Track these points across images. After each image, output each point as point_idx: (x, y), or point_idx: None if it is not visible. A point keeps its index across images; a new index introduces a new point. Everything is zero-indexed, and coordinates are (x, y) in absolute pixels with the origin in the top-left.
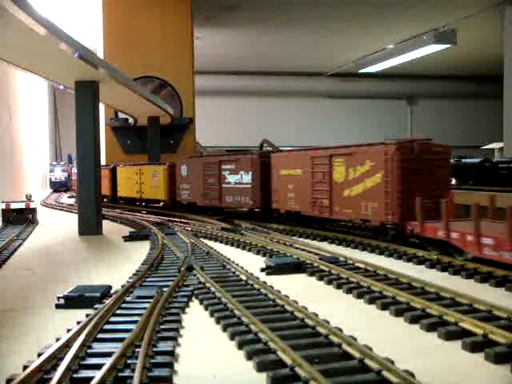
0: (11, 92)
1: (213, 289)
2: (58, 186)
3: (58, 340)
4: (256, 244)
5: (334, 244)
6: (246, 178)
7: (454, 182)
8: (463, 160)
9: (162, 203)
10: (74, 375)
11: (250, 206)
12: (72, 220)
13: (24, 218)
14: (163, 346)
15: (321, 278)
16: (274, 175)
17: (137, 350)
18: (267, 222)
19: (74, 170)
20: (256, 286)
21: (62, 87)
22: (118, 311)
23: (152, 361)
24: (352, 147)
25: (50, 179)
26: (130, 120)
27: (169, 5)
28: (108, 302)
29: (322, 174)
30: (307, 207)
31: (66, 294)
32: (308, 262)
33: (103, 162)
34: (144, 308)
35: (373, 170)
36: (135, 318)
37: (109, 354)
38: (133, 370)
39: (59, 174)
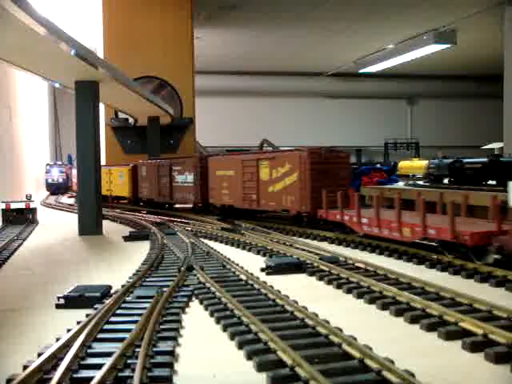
0: (11, 92)
1: (213, 289)
2: (55, 188)
3: (58, 340)
4: (256, 244)
5: (334, 244)
6: (190, 177)
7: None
8: (435, 161)
9: (126, 200)
10: (74, 375)
11: (192, 201)
12: (72, 220)
13: (24, 217)
14: (163, 345)
15: (321, 278)
16: (211, 175)
17: (137, 349)
18: (204, 215)
19: (75, 171)
20: (256, 286)
21: (57, 85)
22: (118, 311)
23: (152, 361)
24: (274, 153)
25: (47, 181)
26: (130, 120)
27: (169, 5)
28: (108, 301)
29: (250, 174)
30: (239, 201)
31: (66, 294)
32: (308, 261)
33: (103, 162)
34: (144, 308)
35: (291, 170)
36: (135, 318)
37: (109, 354)
38: (133, 370)
39: (56, 175)
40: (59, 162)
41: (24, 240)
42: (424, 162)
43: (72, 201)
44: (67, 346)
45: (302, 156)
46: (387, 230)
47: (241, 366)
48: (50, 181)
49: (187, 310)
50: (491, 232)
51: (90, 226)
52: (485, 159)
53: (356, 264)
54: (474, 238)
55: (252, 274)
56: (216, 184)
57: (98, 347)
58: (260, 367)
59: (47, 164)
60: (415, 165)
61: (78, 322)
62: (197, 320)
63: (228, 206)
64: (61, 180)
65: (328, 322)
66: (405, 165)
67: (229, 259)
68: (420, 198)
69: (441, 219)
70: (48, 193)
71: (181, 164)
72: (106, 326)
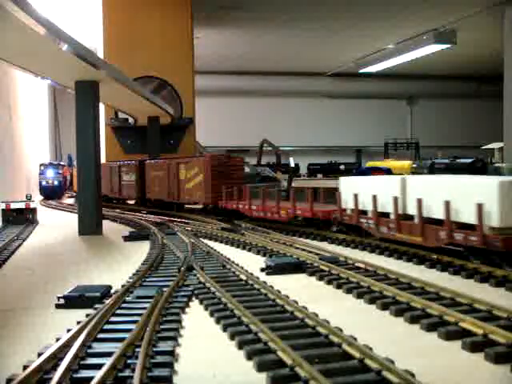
0: (11, 92)
1: (213, 289)
2: (49, 192)
3: (58, 340)
4: (256, 244)
5: (334, 244)
6: (132, 177)
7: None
8: (418, 162)
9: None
10: (74, 375)
11: (134, 197)
12: (72, 220)
13: (24, 217)
14: (163, 345)
15: (321, 278)
16: (147, 176)
17: (137, 349)
18: (142, 207)
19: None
20: (256, 286)
21: (52, 82)
22: (118, 311)
23: (152, 361)
24: (188, 158)
25: (40, 183)
26: (130, 120)
27: (169, 5)
28: (108, 301)
29: (173, 174)
30: (165, 196)
31: (66, 294)
32: (308, 261)
33: (103, 161)
34: (144, 308)
35: (198, 172)
36: (135, 318)
37: (109, 354)
38: (133, 370)
39: (52, 177)
40: (55, 162)
41: (24, 240)
42: (400, 163)
43: (72, 201)
44: (67, 345)
45: (206, 161)
46: (269, 213)
47: (241, 365)
48: (44, 183)
49: (187, 310)
50: (332, 211)
51: (90, 226)
52: (446, 160)
53: (356, 264)
54: (322, 214)
55: (252, 274)
56: (150, 183)
57: (98, 347)
58: (260, 367)
59: (41, 164)
60: (406, 166)
61: (78, 322)
62: (197, 320)
63: (159, 199)
64: (56, 182)
65: (328, 322)
66: (372, 165)
67: (229, 259)
68: (308, 189)
69: (321, 206)
70: (42, 197)
71: (127, 166)
72: (106, 326)
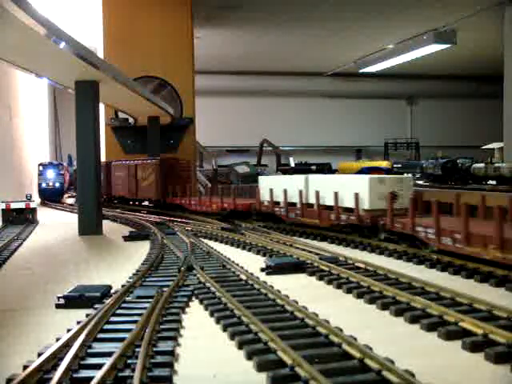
0: (11, 92)
1: (213, 289)
2: (49, 195)
3: (58, 340)
4: (256, 244)
5: (334, 244)
6: (102, 176)
7: None
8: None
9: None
10: (74, 375)
11: (103, 194)
12: (72, 220)
13: (24, 217)
14: (163, 345)
15: (321, 278)
16: (113, 175)
17: (137, 349)
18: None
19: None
20: (256, 286)
21: (52, 82)
22: (118, 311)
23: (152, 361)
24: (143, 161)
25: (39, 185)
26: (130, 120)
27: (169, 5)
28: (108, 301)
29: (132, 175)
30: (127, 193)
31: (66, 294)
32: (308, 261)
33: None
34: (144, 308)
35: (151, 173)
36: (135, 318)
37: (109, 354)
38: (133, 370)
39: (52, 179)
40: (55, 162)
41: (24, 240)
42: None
43: (72, 201)
44: (67, 345)
45: (156, 164)
46: (204, 207)
47: (241, 365)
48: (43, 185)
49: (187, 309)
50: (251, 203)
51: (90, 226)
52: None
53: (356, 264)
54: (243, 206)
55: (252, 274)
56: (115, 182)
57: (98, 347)
58: (260, 367)
59: (40, 164)
60: (354, 166)
61: (78, 322)
62: (197, 320)
63: (122, 196)
64: (58, 185)
65: (328, 322)
66: (343, 166)
67: (229, 259)
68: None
69: (242, 200)
70: (40, 200)
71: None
72: (106, 326)
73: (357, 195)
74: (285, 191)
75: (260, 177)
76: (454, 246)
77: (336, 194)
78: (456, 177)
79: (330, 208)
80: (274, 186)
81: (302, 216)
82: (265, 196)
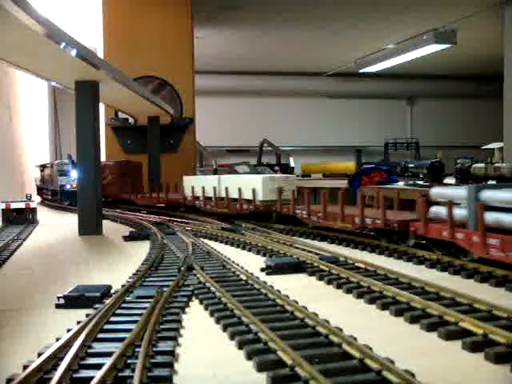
0: (11, 92)
1: (213, 289)
2: (74, 199)
3: (58, 340)
4: (256, 244)
5: (334, 244)
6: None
7: None
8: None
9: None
10: (74, 375)
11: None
12: (72, 220)
13: (24, 217)
14: (163, 345)
15: (321, 278)
16: None
17: (137, 349)
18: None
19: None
20: (256, 286)
21: (55, 84)
22: (118, 311)
23: (152, 361)
24: (105, 162)
25: (63, 187)
26: (130, 120)
27: (169, 5)
28: (108, 301)
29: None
30: None
31: (66, 294)
32: (308, 261)
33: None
34: (144, 308)
35: (109, 173)
36: (135, 318)
37: (109, 354)
38: (133, 370)
39: (74, 181)
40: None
41: (24, 240)
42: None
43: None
44: (67, 345)
45: (112, 166)
46: (147, 201)
47: (241, 365)
48: (67, 187)
49: (187, 309)
50: (178, 198)
51: (90, 226)
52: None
53: (356, 264)
54: (174, 200)
55: (252, 274)
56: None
57: (98, 347)
58: (260, 367)
59: (61, 163)
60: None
61: (78, 322)
62: (197, 320)
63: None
64: (74, 185)
65: (328, 322)
66: (305, 166)
67: (229, 259)
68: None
69: (174, 195)
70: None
71: (48, 167)
72: (106, 326)
73: (254, 190)
74: (203, 188)
75: (184, 176)
76: (317, 221)
77: (240, 189)
78: (443, 176)
79: (235, 200)
80: (195, 184)
81: (216, 207)
82: (188, 192)
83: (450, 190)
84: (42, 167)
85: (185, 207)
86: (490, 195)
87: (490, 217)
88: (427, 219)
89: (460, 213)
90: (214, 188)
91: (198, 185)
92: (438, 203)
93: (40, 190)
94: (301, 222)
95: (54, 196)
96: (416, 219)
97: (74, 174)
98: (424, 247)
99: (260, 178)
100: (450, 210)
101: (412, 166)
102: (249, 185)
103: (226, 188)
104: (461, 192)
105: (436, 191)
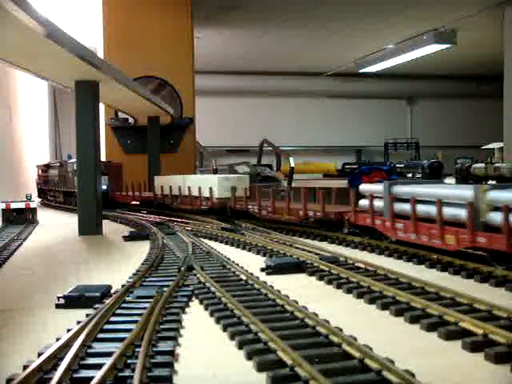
0: (11, 92)
1: (213, 288)
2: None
3: (58, 340)
4: (256, 244)
5: (334, 244)
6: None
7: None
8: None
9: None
10: (74, 375)
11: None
12: (72, 220)
13: (24, 217)
14: (163, 345)
15: (321, 278)
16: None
17: (137, 349)
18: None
19: None
20: (256, 286)
21: (52, 82)
22: (118, 311)
23: (152, 360)
24: (59, 163)
25: None
26: (130, 120)
27: (169, 5)
28: (108, 301)
29: (59, 174)
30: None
31: (66, 294)
32: (308, 261)
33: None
34: (144, 308)
35: (58, 173)
36: (135, 318)
37: (109, 354)
38: (133, 370)
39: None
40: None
41: (24, 240)
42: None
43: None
44: (67, 345)
45: (68, 165)
46: (123, 198)
47: (241, 365)
48: None
49: (187, 309)
50: (149, 196)
51: (90, 226)
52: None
53: (356, 264)
54: (148, 198)
55: (252, 274)
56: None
57: (98, 347)
58: (260, 367)
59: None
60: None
61: (78, 322)
62: (197, 320)
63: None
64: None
65: (328, 322)
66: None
67: (229, 259)
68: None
69: (147, 194)
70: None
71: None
72: (106, 326)
73: (211, 188)
74: (170, 187)
75: (155, 176)
76: (267, 215)
77: (199, 188)
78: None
79: (197, 198)
80: (164, 184)
81: (182, 204)
82: (158, 191)
83: (373, 186)
84: (46, 167)
85: (156, 204)
86: (398, 189)
87: (398, 206)
88: (356, 210)
89: (379, 204)
90: (180, 187)
91: (166, 184)
92: (364, 196)
93: (42, 192)
94: (253, 216)
95: (69, 198)
96: (349, 211)
97: None
98: (423, 247)
99: (216, 178)
100: (371, 202)
101: (401, 166)
102: (207, 184)
103: (189, 187)
104: (379, 187)
105: (363, 187)
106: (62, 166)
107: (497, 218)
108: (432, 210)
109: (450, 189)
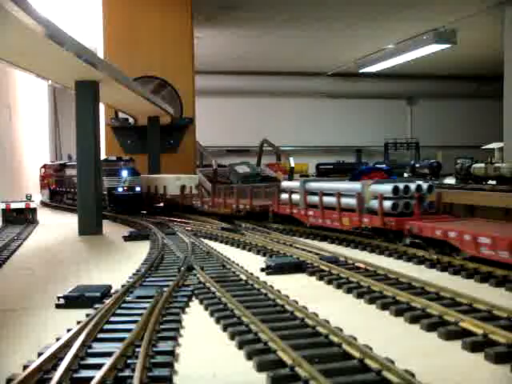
0: (11, 92)
1: (213, 289)
2: (124, 204)
3: (58, 340)
4: (256, 244)
5: (334, 244)
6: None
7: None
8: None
9: None
10: (74, 375)
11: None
12: (72, 220)
13: (24, 217)
14: (163, 345)
15: (321, 278)
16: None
17: (137, 349)
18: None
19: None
20: (256, 286)
21: (52, 82)
22: (118, 311)
23: (152, 360)
24: (73, 163)
25: (112, 190)
26: (130, 120)
27: (169, 5)
28: (108, 301)
29: (52, 173)
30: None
31: (67, 294)
32: (308, 261)
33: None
34: (144, 308)
35: (45, 173)
36: (135, 318)
37: (109, 354)
38: (133, 370)
39: (129, 180)
40: (126, 157)
41: (24, 240)
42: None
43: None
44: (67, 345)
45: (46, 167)
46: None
47: (241, 365)
48: (119, 190)
49: (187, 309)
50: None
51: (90, 226)
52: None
53: (356, 264)
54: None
55: (252, 274)
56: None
57: (98, 347)
58: (260, 367)
59: (105, 160)
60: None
61: (78, 322)
62: (197, 320)
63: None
64: (137, 189)
65: (328, 322)
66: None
67: (229, 259)
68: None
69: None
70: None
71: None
72: (106, 326)
73: (165, 187)
74: (148, 187)
75: (141, 175)
76: (208, 209)
77: (156, 186)
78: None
79: (155, 195)
80: (146, 183)
81: (154, 200)
82: (145, 189)
83: (291, 183)
84: (62, 166)
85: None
86: (310, 185)
87: (310, 199)
88: (279, 202)
89: (296, 197)
90: (148, 186)
91: (145, 184)
92: (285, 191)
93: (57, 194)
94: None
95: None
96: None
97: (125, 173)
98: (423, 248)
99: (168, 177)
100: (290, 195)
101: (418, 166)
102: (162, 183)
103: (149, 186)
104: (296, 184)
105: (284, 184)
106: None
107: (375, 204)
108: (334, 200)
109: (345, 184)
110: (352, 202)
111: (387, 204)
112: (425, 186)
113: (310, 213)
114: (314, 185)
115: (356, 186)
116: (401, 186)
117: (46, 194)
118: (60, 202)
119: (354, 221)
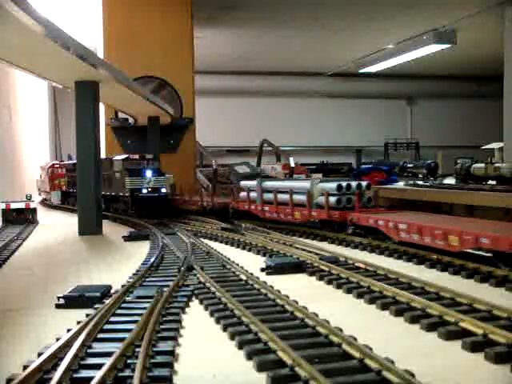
0: (11, 92)
1: (213, 289)
2: (149, 206)
3: (58, 340)
4: (256, 244)
5: (334, 244)
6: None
7: None
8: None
9: None
10: (74, 375)
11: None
12: (72, 220)
13: (24, 217)
14: (163, 345)
15: (321, 278)
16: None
17: (137, 349)
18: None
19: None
20: (256, 286)
21: (56, 84)
22: (118, 311)
23: (152, 361)
24: (61, 163)
25: (135, 191)
26: (130, 120)
27: (169, 5)
28: (108, 301)
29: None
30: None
31: (66, 294)
32: (308, 261)
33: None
34: (144, 308)
35: (55, 174)
36: (135, 318)
37: (109, 354)
38: (133, 370)
39: (153, 181)
40: (149, 156)
41: (24, 240)
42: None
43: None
44: (67, 345)
45: (67, 165)
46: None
47: (241, 365)
48: (143, 191)
49: (187, 309)
50: (230, 201)
51: (90, 226)
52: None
53: (356, 264)
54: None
55: (252, 274)
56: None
57: (98, 347)
58: (260, 367)
59: (128, 159)
60: None
61: (78, 322)
62: (197, 320)
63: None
64: (163, 190)
65: (328, 322)
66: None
67: (229, 259)
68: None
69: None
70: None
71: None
72: (106, 326)
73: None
74: None
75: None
76: (178, 206)
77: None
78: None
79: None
80: None
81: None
82: None
83: (249, 182)
84: (75, 166)
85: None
86: (266, 184)
87: (266, 196)
88: (238, 200)
89: (254, 194)
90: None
91: None
92: (243, 189)
93: (69, 196)
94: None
95: (116, 204)
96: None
97: (149, 173)
98: (422, 247)
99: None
100: (248, 193)
101: (411, 165)
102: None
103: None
104: (254, 183)
105: (243, 183)
106: (110, 164)
107: (322, 200)
108: (287, 197)
109: (297, 182)
110: (302, 198)
111: (332, 199)
112: (364, 184)
113: (266, 208)
114: (269, 183)
115: (305, 184)
116: (344, 184)
117: (56, 195)
118: (74, 205)
119: (304, 215)
